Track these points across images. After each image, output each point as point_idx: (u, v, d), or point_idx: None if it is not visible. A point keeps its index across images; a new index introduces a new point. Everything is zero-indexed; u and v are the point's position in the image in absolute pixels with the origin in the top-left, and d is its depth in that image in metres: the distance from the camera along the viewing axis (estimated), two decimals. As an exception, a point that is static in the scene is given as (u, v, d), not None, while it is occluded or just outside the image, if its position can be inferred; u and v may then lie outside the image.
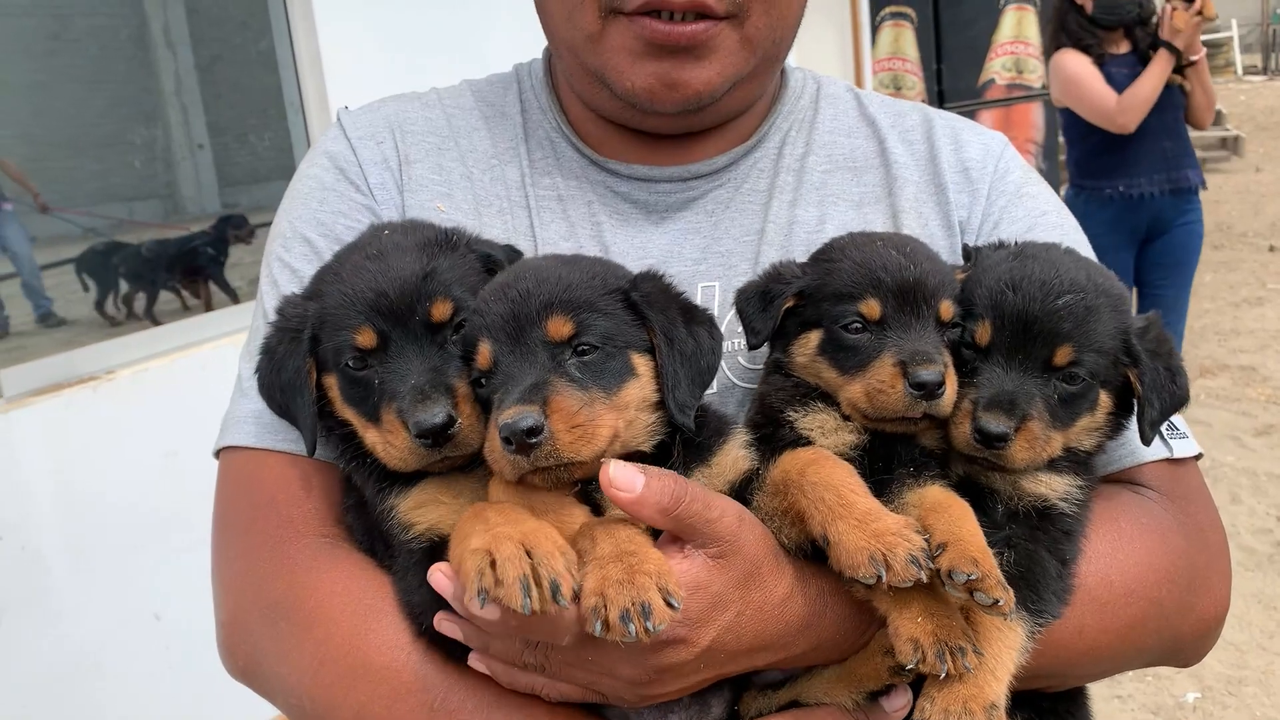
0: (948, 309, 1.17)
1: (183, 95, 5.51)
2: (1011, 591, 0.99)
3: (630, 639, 0.90)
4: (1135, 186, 5.34)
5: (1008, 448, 1.11)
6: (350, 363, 1.13)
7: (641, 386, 1.08)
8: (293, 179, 1.47)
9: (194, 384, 3.63)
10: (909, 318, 1.16)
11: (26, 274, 4.08)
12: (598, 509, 1.08)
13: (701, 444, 1.14)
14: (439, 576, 1.01)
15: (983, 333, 1.17)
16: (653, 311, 1.09)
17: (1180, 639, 1.29)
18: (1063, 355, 1.14)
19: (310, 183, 1.43)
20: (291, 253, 1.37)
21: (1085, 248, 1.42)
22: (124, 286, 4.41)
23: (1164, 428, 1.30)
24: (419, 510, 1.12)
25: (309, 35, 4.06)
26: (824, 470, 1.06)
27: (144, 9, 5.45)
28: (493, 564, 0.92)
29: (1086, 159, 5.50)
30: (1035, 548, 1.13)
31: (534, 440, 0.97)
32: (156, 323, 4.22)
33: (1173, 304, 5.54)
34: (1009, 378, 1.14)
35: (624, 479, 0.99)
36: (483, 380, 1.07)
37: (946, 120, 1.50)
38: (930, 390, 1.10)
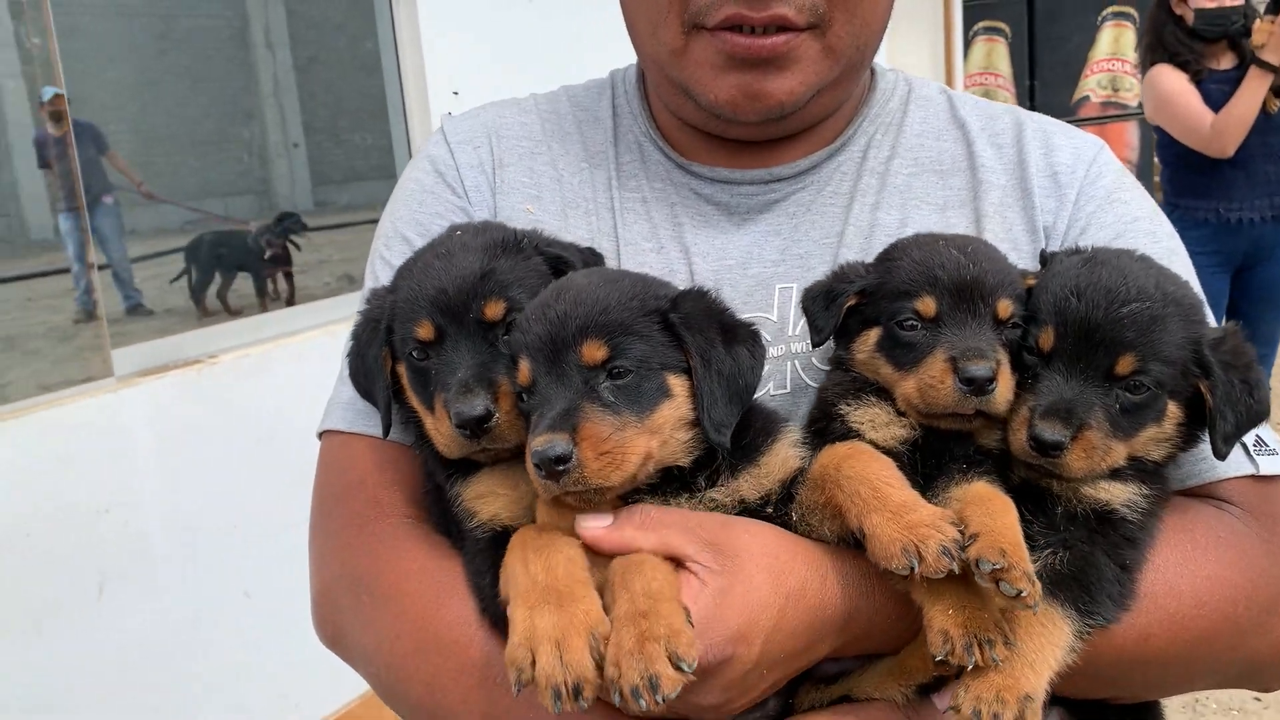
0: (1005, 308, 1.17)
1: (280, 95, 5.65)
2: (1038, 585, 0.98)
3: (643, 711, 0.94)
4: (1233, 210, 5.08)
5: (1063, 456, 1.10)
6: (413, 353, 1.20)
7: (676, 407, 1.10)
8: (399, 181, 1.55)
9: (291, 372, 3.75)
10: (965, 315, 1.16)
11: (118, 267, 4.21)
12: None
13: (748, 444, 1.15)
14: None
15: (1045, 339, 1.16)
16: (689, 333, 1.10)
17: (1258, 661, 1.24)
18: (1125, 364, 1.12)
19: (412, 185, 1.50)
20: (392, 250, 1.44)
21: (1180, 257, 1.39)
22: (218, 278, 4.54)
23: (1251, 443, 1.27)
24: (480, 501, 1.17)
25: (413, 40, 4.15)
26: (859, 464, 1.08)
27: (246, 11, 5.60)
28: (533, 663, 0.98)
29: (1181, 178, 5.24)
30: (1092, 550, 1.12)
31: (562, 468, 1.01)
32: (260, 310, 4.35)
33: (1268, 336, 5.30)
34: (1069, 385, 1.13)
35: (588, 522, 1.06)
36: (523, 397, 1.10)
37: (1039, 123, 1.48)
38: (980, 386, 1.10)
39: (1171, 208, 5.26)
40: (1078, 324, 1.14)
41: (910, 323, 1.18)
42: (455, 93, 1.39)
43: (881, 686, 1.15)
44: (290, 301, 4.69)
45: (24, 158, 3.65)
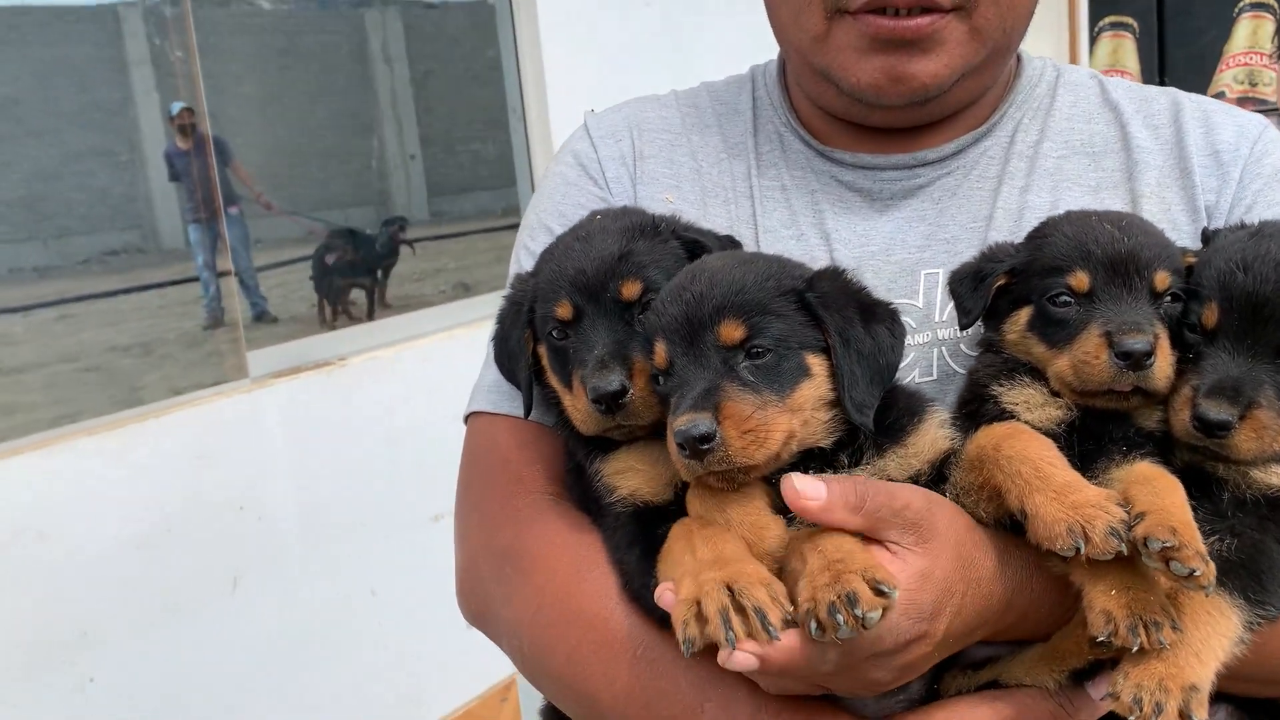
0: (1163, 279, 1.13)
1: (397, 108, 5.78)
2: (1212, 565, 0.94)
3: (844, 634, 0.90)
4: None
5: (1231, 437, 1.05)
6: (554, 333, 1.23)
7: (816, 386, 1.08)
8: (543, 176, 1.60)
9: (416, 374, 3.85)
10: (1119, 290, 1.13)
11: (244, 274, 4.35)
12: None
13: (893, 424, 1.13)
14: (665, 595, 1.04)
15: (1209, 315, 1.11)
16: (827, 312, 1.09)
17: None
18: None
19: (556, 179, 1.55)
20: (535, 240, 1.48)
21: None
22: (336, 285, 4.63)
23: None
24: (620, 476, 1.18)
25: (533, 49, 4.20)
26: (1020, 443, 1.05)
27: (364, 27, 5.76)
28: (698, 614, 0.95)
29: None
30: (1263, 537, 1.06)
31: (706, 446, 1.00)
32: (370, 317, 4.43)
33: None
34: (1235, 363, 1.07)
35: (809, 489, 1.01)
36: (659, 379, 1.10)
37: (1198, 103, 1.45)
38: (1137, 360, 1.06)
39: None
40: (1245, 298, 1.08)
41: (1063, 298, 1.15)
42: (592, 110, 1.45)
43: (1033, 672, 1.11)
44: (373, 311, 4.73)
45: (158, 170, 3.79)
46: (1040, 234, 1.22)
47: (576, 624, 1.21)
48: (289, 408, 3.51)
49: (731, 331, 1.06)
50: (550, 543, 1.27)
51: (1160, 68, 7.74)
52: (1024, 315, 1.19)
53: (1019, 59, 1.51)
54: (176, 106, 3.65)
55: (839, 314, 1.10)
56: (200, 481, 3.27)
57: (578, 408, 1.18)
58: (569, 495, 1.34)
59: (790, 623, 0.94)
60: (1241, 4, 7.66)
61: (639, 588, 1.15)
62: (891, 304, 1.19)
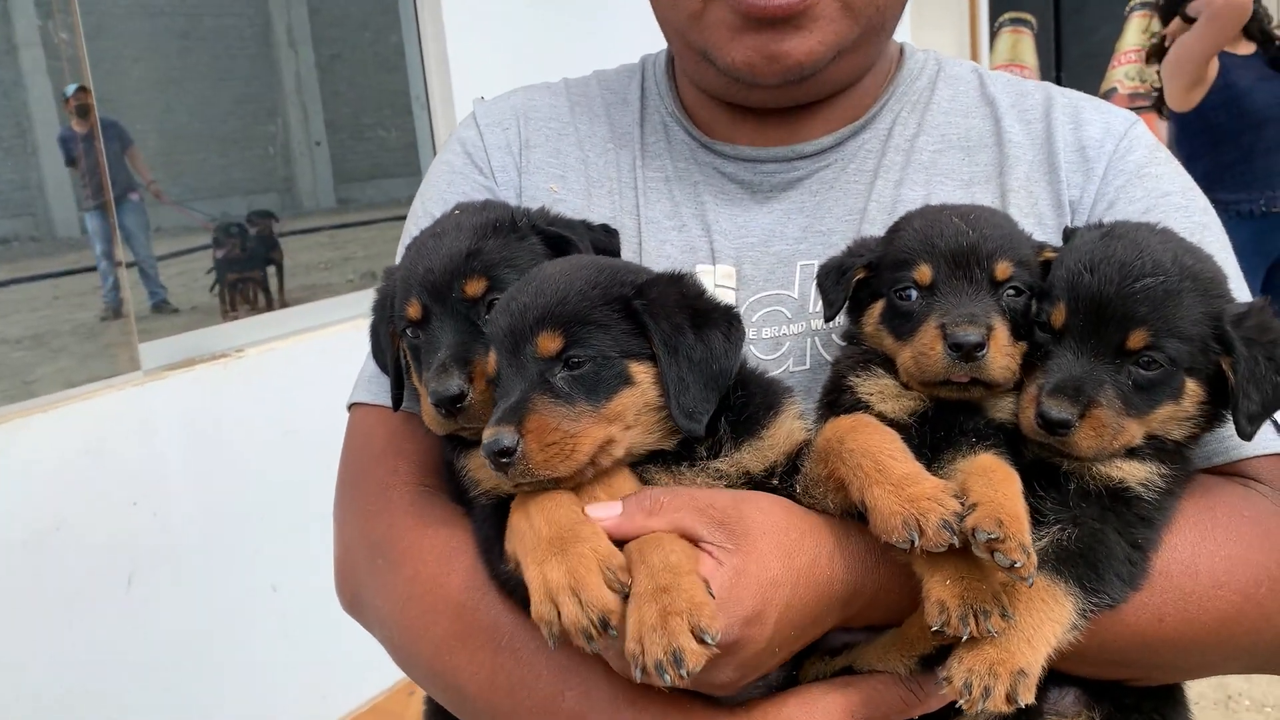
0: (1004, 269, 1.15)
1: (303, 93, 5.66)
2: (1034, 557, 0.96)
3: (667, 684, 0.93)
4: (1277, 199, 4.99)
5: (1071, 435, 1.07)
6: (406, 331, 1.23)
7: (641, 394, 1.09)
8: (432, 163, 1.59)
9: (315, 365, 3.78)
10: (961, 282, 1.15)
11: (144, 263, 4.23)
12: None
13: (750, 417, 1.14)
14: None
15: (1057, 315, 1.13)
16: (653, 320, 1.10)
17: None
18: (1137, 339, 1.09)
19: (443, 167, 1.54)
20: (420, 229, 1.46)
21: (1214, 231, 1.36)
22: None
23: None
24: (482, 470, 1.18)
25: (437, 35, 4.16)
26: (863, 436, 1.06)
27: (268, 9, 5.62)
28: (559, 615, 0.98)
29: (1219, 171, 5.12)
30: (1103, 527, 1.09)
31: (506, 460, 1.02)
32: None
33: None
34: (1079, 362, 1.10)
35: (601, 513, 1.05)
36: (494, 386, 1.12)
37: (1070, 99, 1.47)
38: (968, 351, 1.09)
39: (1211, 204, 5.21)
40: (1089, 299, 1.11)
41: (908, 291, 1.17)
42: (481, 97, 1.43)
43: (884, 658, 1.14)
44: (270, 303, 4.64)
45: (50, 155, 3.67)
46: (894, 229, 1.24)
47: (443, 614, 1.22)
48: (183, 400, 3.43)
49: (549, 343, 1.07)
50: (421, 534, 1.28)
51: (1057, 63, 7.98)
52: (878, 308, 1.22)
53: (902, 51, 1.52)
54: (72, 88, 3.53)
55: (666, 321, 1.10)
56: (91, 477, 3.18)
57: (425, 409, 1.18)
58: (444, 487, 1.35)
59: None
60: (1132, 3, 7.93)
61: (504, 577, 1.16)
62: (732, 308, 1.18)
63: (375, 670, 3.80)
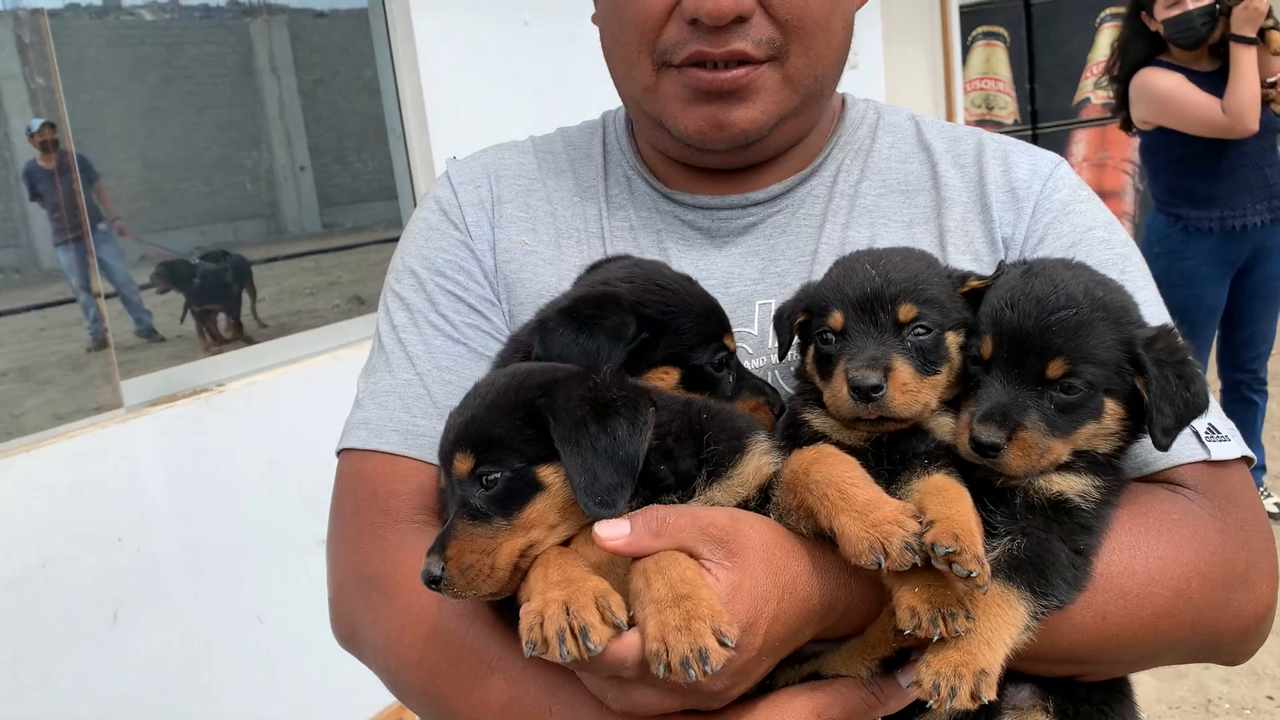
0: (908, 311, 1.23)
1: (286, 119, 5.70)
2: (987, 567, 1.04)
3: (690, 680, 0.99)
4: (1236, 217, 5.07)
5: (1001, 456, 1.16)
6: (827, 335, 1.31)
7: (553, 497, 1.13)
8: (410, 219, 1.67)
9: (298, 398, 3.78)
10: (867, 325, 1.23)
11: (125, 290, 4.25)
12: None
13: (718, 455, 1.19)
14: None
15: (985, 347, 1.23)
16: (554, 419, 1.12)
17: (1218, 635, 1.31)
18: (1055, 368, 1.19)
19: (420, 224, 1.62)
20: (401, 284, 1.57)
21: (1134, 262, 1.46)
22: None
23: (1203, 430, 1.34)
24: None
25: (410, 66, 4.20)
26: (826, 467, 1.13)
27: (250, 37, 5.66)
28: (541, 623, 1.03)
29: (1182, 187, 5.21)
30: (1048, 536, 1.17)
31: (436, 587, 1.12)
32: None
33: (1266, 334, 5.33)
34: (1005, 390, 1.19)
35: (610, 532, 1.09)
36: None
37: (999, 143, 1.57)
38: (864, 393, 1.17)
39: (1174, 219, 5.24)
40: (1011, 333, 1.21)
41: (827, 336, 1.26)
42: (454, 156, 1.49)
43: (848, 663, 1.20)
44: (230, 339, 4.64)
45: (26, 190, 3.70)
46: (824, 277, 1.33)
47: (436, 641, 1.28)
48: (165, 436, 3.46)
49: (462, 464, 1.11)
50: (414, 567, 1.29)
51: (1030, 75, 8.06)
52: (810, 351, 1.31)
53: (844, 102, 1.63)
54: (36, 123, 3.55)
55: (568, 417, 1.12)
56: (76, 514, 3.20)
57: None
58: (436, 523, 1.38)
59: (627, 625, 1.04)
60: (1103, 14, 8.02)
61: (497, 605, 1.20)
62: (641, 396, 1.18)
63: (361, 700, 3.84)
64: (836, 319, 1.25)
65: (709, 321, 1.33)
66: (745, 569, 1.10)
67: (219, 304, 4.65)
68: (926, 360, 1.23)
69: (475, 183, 1.63)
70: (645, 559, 1.09)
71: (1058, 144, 8.04)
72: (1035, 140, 8.01)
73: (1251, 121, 4.89)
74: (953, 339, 1.26)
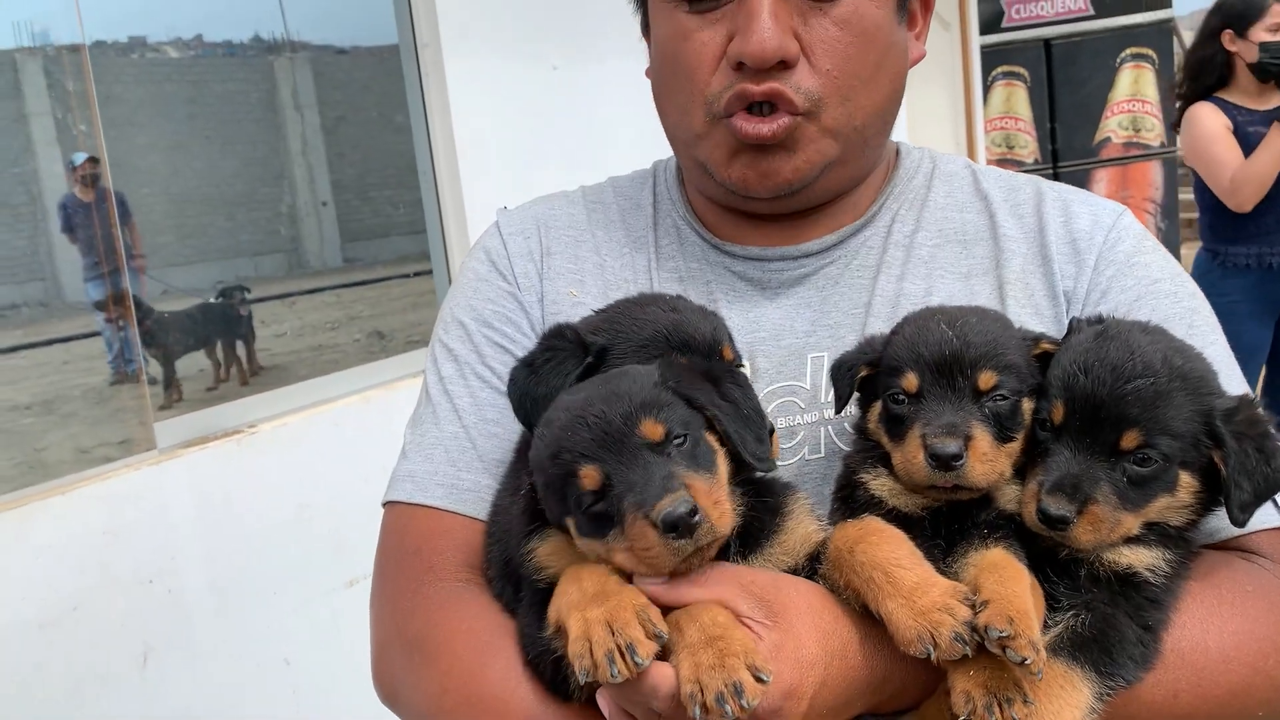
0: (987, 380, 1.19)
1: (308, 154, 5.73)
2: (1043, 654, 1.01)
3: (728, 719, 0.97)
4: (1274, 254, 4.95)
5: (1070, 530, 1.13)
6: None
7: (724, 457, 1.15)
8: (458, 271, 1.68)
9: (328, 439, 3.77)
10: (945, 390, 1.20)
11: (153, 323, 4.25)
12: None
13: (760, 522, 1.18)
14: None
15: (1056, 413, 1.19)
16: (693, 394, 1.17)
17: None
18: (1130, 439, 1.15)
19: (469, 275, 1.62)
20: (449, 335, 1.56)
21: (1204, 316, 1.43)
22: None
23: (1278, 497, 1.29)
24: (551, 556, 1.21)
25: (442, 107, 4.24)
26: (871, 547, 1.11)
27: (274, 73, 5.71)
28: (590, 650, 1.03)
29: (1220, 223, 5.10)
30: (1114, 612, 1.14)
31: (696, 520, 1.06)
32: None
33: None
34: (1076, 460, 1.16)
35: (649, 583, 1.10)
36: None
37: (1059, 192, 1.54)
38: (945, 461, 1.14)
39: (1213, 254, 5.15)
40: (1084, 400, 1.17)
41: (899, 397, 1.22)
42: (505, 207, 1.53)
43: None
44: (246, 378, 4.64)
45: (59, 222, 3.71)
46: (895, 331, 1.30)
47: (478, 707, 1.25)
48: (196, 478, 3.45)
49: (653, 431, 1.11)
50: (456, 630, 1.31)
51: (1051, 114, 8.07)
52: (877, 408, 1.27)
53: (898, 151, 1.61)
54: (80, 157, 3.57)
55: (698, 392, 1.17)
56: (107, 557, 3.19)
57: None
58: (480, 582, 1.39)
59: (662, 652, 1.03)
60: (1123, 54, 8.05)
61: (542, 665, 1.19)
62: (729, 360, 1.27)
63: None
64: (911, 381, 1.21)
65: (653, 345, 1.31)
66: (789, 630, 1.08)
67: (219, 344, 4.62)
68: (1003, 428, 1.20)
69: (525, 233, 1.62)
70: (684, 609, 1.07)
71: (1078, 183, 7.86)
72: (1056, 179, 7.97)
73: (1246, 201, 4.79)
74: (1027, 405, 1.23)
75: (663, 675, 1.02)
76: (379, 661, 1.43)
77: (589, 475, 1.09)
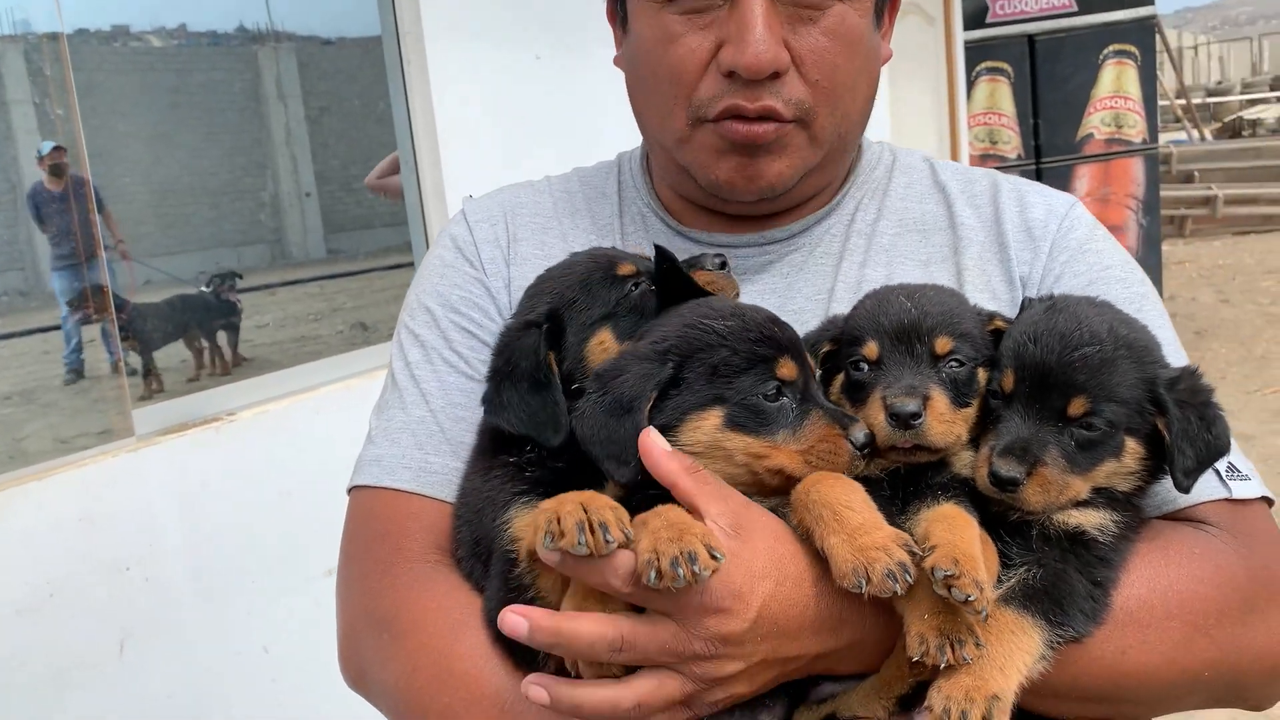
0: (944, 344, 1.23)
1: (292, 145, 5.73)
2: (987, 592, 1.04)
3: (680, 584, 1.01)
4: None
5: (1020, 491, 1.16)
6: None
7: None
8: (424, 258, 1.69)
9: (308, 427, 3.77)
10: (903, 356, 1.24)
11: (129, 313, 4.22)
12: None
13: None
14: (510, 617, 1.13)
15: (1007, 381, 1.22)
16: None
17: (1241, 676, 1.29)
18: (1077, 405, 1.18)
19: (435, 261, 1.63)
20: (416, 320, 1.57)
21: (1151, 301, 1.47)
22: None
23: (1224, 470, 1.33)
24: (527, 529, 1.22)
25: (424, 98, 4.23)
26: (825, 488, 1.14)
27: (258, 64, 5.70)
28: (559, 519, 1.07)
29: None
30: (1064, 567, 1.17)
31: (918, 420, 1.19)
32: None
33: None
34: (1026, 425, 1.19)
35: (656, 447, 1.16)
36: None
37: (1014, 184, 1.59)
38: (904, 420, 1.17)
39: None
40: (1034, 368, 1.21)
41: (861, 364, 1.26)
42: (470, 195, 1.54)
43: (865, 703, 1.20)
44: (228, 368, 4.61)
45: (30, 211, 3.69)
46: (855, 307, 1.34)
47: (449, 683, 1.27)
48: (176, 464, 3.44)
49: (789, 370, 1.21)
50: (426, 608, 1.33)
51: (1034, 110, 8.12)
52: (839, 380, 1.31)
53: (860, 145, 1.64)
54: (47, 146, 3.51)
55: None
56: (85, 543, 3.18)
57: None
58: (449, 562, 1.39)
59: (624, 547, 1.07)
60: (1106, 51, 8.10)
61: (510, 642, 1.19)
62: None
63: (365, 728, 3.79)
64: (871, 348, 1.25)
65: (599, 294, 1.35)
66: (746, 542, 1.12)
67: (203, 333, 4.62)
68: (960, 393, 1.23)
69: (491, 220, 1.64)
70: (646, 513, 1.11)
71: (1061, 179, 8.07)
72: (1039, 175, 8.04)
73: None
74: (982, 375, 1.27)
75: (624, 555, 1.06)
76: (346, 643, 1.43)
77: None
